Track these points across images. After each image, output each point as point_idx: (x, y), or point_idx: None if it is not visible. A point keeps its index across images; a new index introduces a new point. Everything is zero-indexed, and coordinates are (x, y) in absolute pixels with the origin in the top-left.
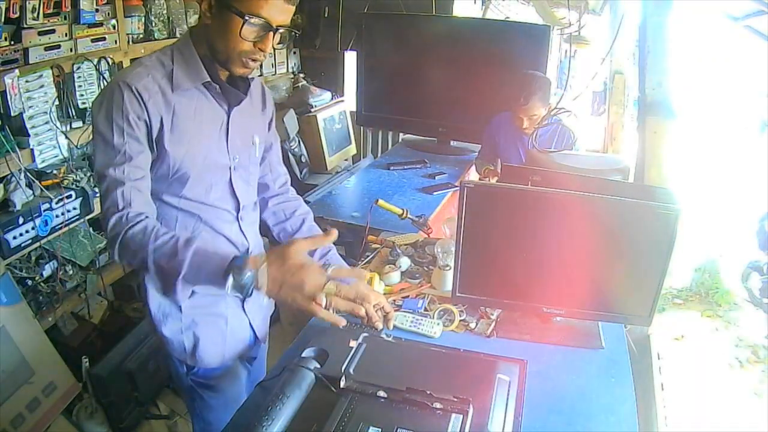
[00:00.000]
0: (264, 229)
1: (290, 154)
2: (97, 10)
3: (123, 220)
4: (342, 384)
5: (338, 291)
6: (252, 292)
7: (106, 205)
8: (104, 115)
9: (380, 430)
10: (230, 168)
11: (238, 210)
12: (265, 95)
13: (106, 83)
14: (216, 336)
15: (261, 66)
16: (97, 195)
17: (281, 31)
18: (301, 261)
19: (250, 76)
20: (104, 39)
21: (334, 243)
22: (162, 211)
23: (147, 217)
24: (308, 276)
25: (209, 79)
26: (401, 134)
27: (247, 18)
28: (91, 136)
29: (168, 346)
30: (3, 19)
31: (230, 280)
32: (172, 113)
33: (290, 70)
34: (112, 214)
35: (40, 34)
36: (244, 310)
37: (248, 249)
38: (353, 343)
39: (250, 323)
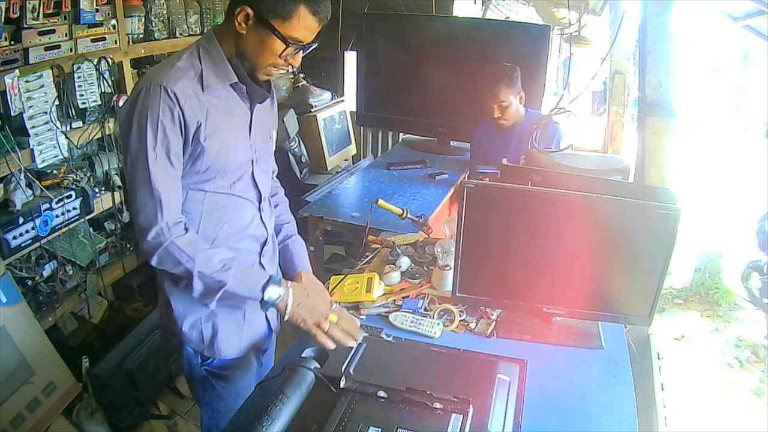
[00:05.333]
0: None
1: (290, 154)
2: (97, 10)
3: (165, 231)
4: (342, 384)
5: (339, 321)
6: (274, 305)
7: (141, 211)
8: (138, 117)
9: (380, 430)
10: (252, 161)
11: (260, 200)
12: (272, 90)
13: (106, 83)
14: (234, 328)
15: None
16: (98, 195)
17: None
18: (317, 289)
19: None
20: (104, 39)
21: (334, 243)
22: (188, 202)
23: (187, 227)
24: (320, 302)
25: (237, 80)
26: (401, 134)
27: (290, 43)
28: (90, 137)
29: (185, 337)
30: (3, 19)
31: (267, 292)
32: (206, 113)
33: (290, 70)
34: (151, 224)
35: (40, 34)
36: None
37: (266, 239)
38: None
39: (266, 315)
